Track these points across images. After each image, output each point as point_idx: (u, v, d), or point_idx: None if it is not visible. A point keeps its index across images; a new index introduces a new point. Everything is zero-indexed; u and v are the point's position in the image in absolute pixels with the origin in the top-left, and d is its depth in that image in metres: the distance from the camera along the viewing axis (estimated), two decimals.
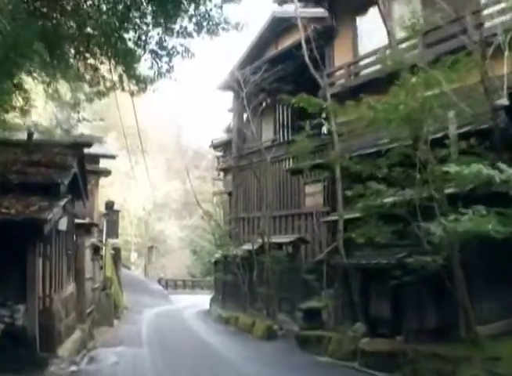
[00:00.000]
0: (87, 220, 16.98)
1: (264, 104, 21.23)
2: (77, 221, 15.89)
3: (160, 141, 64.19)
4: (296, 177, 22.13)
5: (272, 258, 18.22)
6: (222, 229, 27.44)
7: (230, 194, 28.95)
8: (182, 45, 14.28)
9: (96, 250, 20.77)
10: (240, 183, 27.19)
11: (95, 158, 25.72)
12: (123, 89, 16.80)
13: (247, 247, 21.30)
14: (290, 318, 18.27)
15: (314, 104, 14.34)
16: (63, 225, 12.19)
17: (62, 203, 11.13)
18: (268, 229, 19.54)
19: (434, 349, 9.77)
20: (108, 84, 17.06)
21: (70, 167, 12.42)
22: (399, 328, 11.10)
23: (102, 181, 31.55)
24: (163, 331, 20.09)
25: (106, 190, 37.58)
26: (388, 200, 10.03)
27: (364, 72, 18.41)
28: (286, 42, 23.18)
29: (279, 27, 24.13)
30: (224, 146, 35.77)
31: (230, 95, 27.82)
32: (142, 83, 15.93)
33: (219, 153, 37.58)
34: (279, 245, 19.74)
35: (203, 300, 33.43)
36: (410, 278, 9.96)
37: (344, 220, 14.52)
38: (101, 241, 23.06)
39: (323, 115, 15.91)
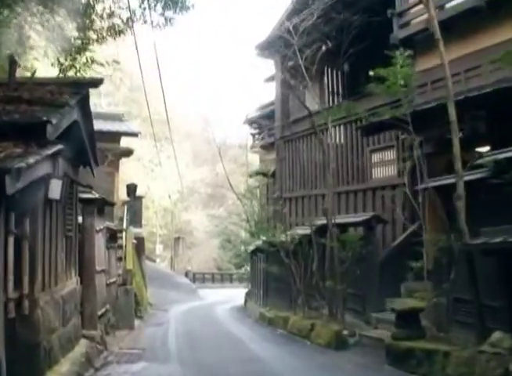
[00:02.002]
0: (98, 195, 12.87)
1: (323, 48, 17.08)
2: (84, 195, 11.97)
3: (187, 129, 61.92)
4: (360, 144, 18.49)
5: (340, 242, 13.98)
6: (265, 211, 23.55)
7: (273, 174, 25.48)
8: None
9: (113, 236, 16.89)
10: (286, 158, 23.72)
11: (116, 136, 23.30)
12: (144, 21, 12.99)
13: (302, 231, 17.14)
14: (361, 320, 14.20)
15: None
16: (55, 191, 8.17)
17: (47, 151, 7.10)
18: (331, 208, 15.35)
19: None
20: (125, 15, 13.26)
21: (65, 104, 8.36)
22: None
23: (125, 167, 28.60)
24: (195, 336, 16.09)
25: (128, 178, 34.65)
26: None
27: (452, 4, 14.53)
28: None
29: None
30: (259, 123, 32.27)
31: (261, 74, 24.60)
32: (169, 9, 12.06)
33: (254, 131, 33.99)
34: (344, 226, 15.45)
35: (234, 295, 30.99)
36: None
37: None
38: (121, 229, 19.35)
39: None
